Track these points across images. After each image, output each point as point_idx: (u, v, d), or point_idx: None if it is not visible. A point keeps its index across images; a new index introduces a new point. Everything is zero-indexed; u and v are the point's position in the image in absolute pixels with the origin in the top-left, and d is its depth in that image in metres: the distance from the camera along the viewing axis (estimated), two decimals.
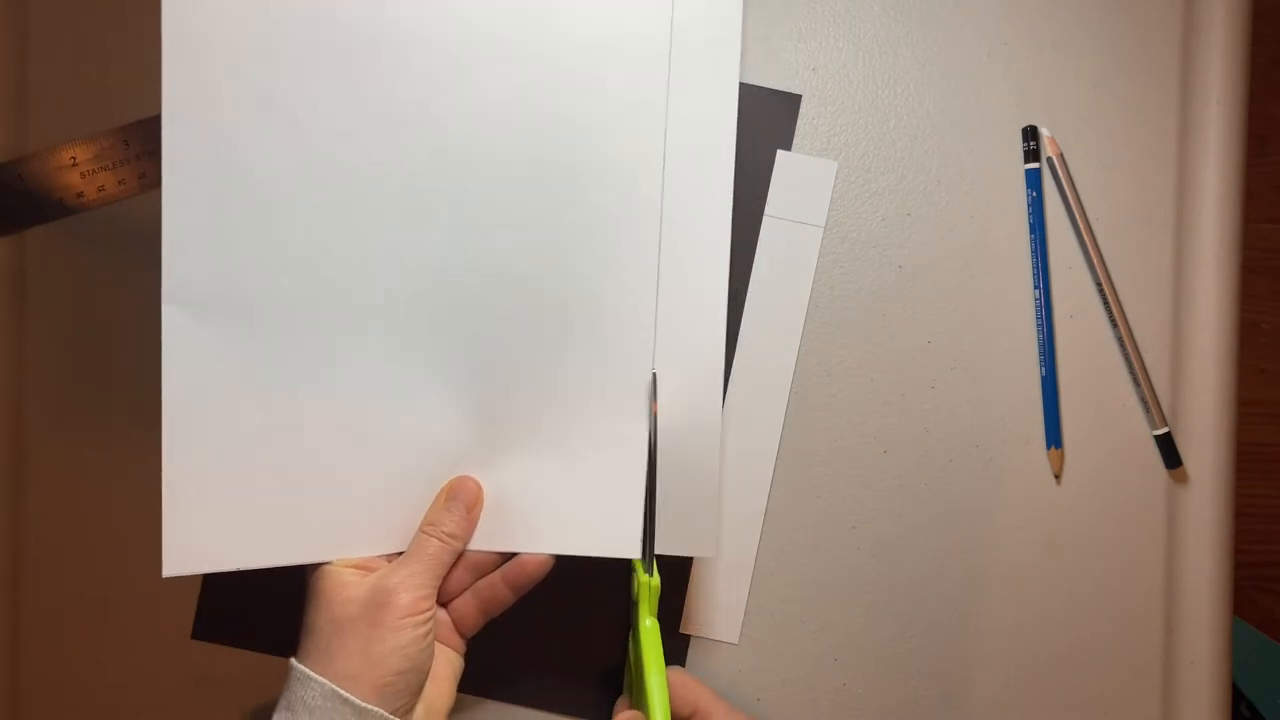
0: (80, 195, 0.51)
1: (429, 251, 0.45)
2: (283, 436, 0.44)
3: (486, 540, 0.46)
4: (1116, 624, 0.52)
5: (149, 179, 0.51)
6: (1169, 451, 0.52)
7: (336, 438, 0.44)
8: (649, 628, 0.45)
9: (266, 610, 0.52)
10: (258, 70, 0.43)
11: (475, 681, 0.50)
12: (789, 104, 0.52)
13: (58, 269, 0.51)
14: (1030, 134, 0.53)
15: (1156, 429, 0.52)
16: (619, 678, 0.51)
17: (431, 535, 0.44)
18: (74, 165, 0.51)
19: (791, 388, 0.52)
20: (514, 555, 0.46)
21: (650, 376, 0.46)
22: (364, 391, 0.45)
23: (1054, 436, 0.52)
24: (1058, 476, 0.53)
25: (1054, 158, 0.52)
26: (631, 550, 0.45)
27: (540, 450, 0.46)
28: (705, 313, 0.46)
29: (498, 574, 0.46)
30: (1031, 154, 0.53)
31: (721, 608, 0.52)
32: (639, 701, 0.45)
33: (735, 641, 0.52)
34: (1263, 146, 1.21)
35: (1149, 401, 0.52)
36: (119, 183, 0.51)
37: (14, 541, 0.52)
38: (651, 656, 0.44)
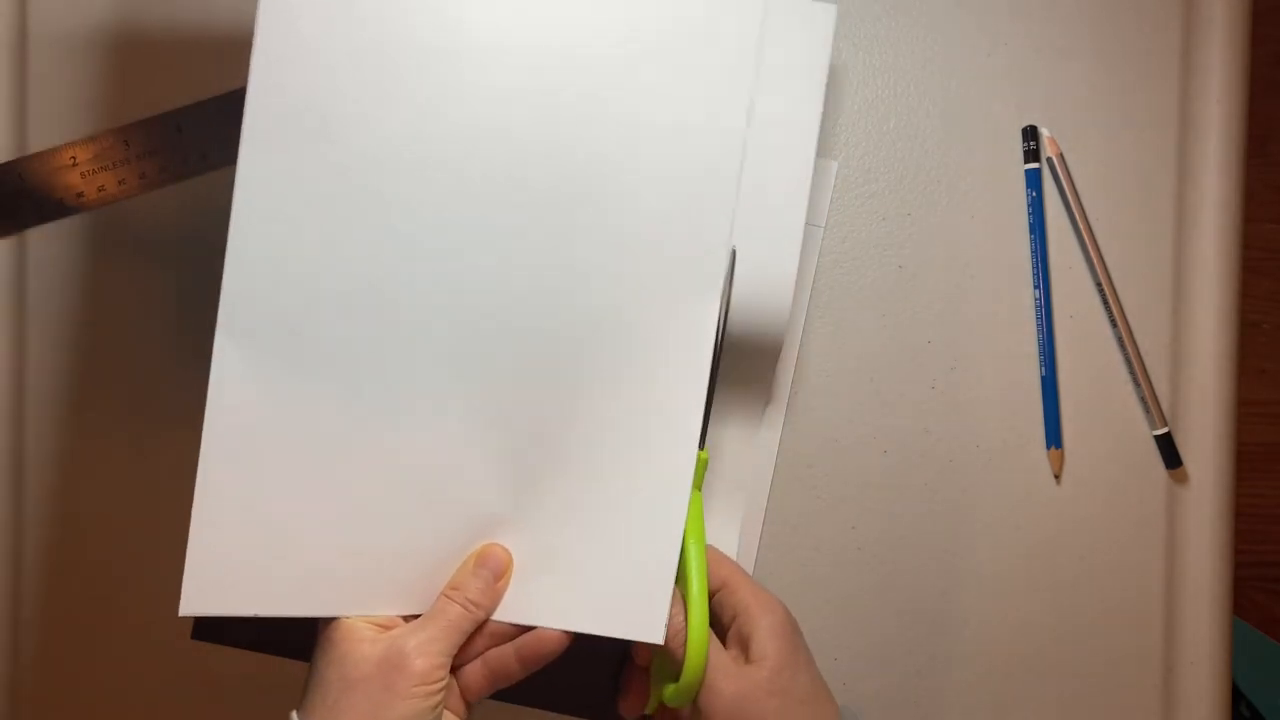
0: (80, 195, 0.51)
1: (484, 302, 0.43)
2: (317, 483, 0.43)
3: (506, 611, 0.44)
4: (1116, 624, 0.52)
5: (149, 179, 0.51)
6: (1169, 451, 0.52)
7: (370, 489, 0.43)
8: (694, 499, 0.44)
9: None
10: (332, 105, 0.41)
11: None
12: None
13: (58, 269, 0.51)
14: (1030, 134, 0.53)
15: (1156, 429, 0.52)
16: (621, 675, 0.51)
17: (455, 601, 0.43)
18: (74, 165, 0.51)
19: (791, 388, 0.52)
20: (529, 627, 0.44)
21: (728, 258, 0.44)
22: (403, 443, 0.43)
23: (1054, 436, 0.52)
24: (1058, 476, 0.53)
25: (1054, 158, 0.52)
26: (655, 635, 0.43)
27: (574, 522, 0.44)
28: (757, 384, 0.45)
29: (510, 646, 0.44)
30: (1031, 154, 0.53)
31: None
32: (677, 572, 0.44)
33: None
34: (1263, 146, 1.21)
35: (1149, 401, 0.52)
36: (119, 183, 0.51)
37: (14, 541, 0.52)
38: (694, 527, 0.43)
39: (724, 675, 0.42)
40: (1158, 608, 0.52)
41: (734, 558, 0.50)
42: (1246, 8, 0.53)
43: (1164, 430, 0.52)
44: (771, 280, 0.46)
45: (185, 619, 0.52)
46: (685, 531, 0.43)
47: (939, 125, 0.53)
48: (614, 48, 0.43)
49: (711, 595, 0.45)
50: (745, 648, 0.43)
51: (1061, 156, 0.53)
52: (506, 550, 0.44)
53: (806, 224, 0.52)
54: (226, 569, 0.42)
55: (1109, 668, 0.52)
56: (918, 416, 0.52)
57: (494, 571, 0.43)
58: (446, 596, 0.43)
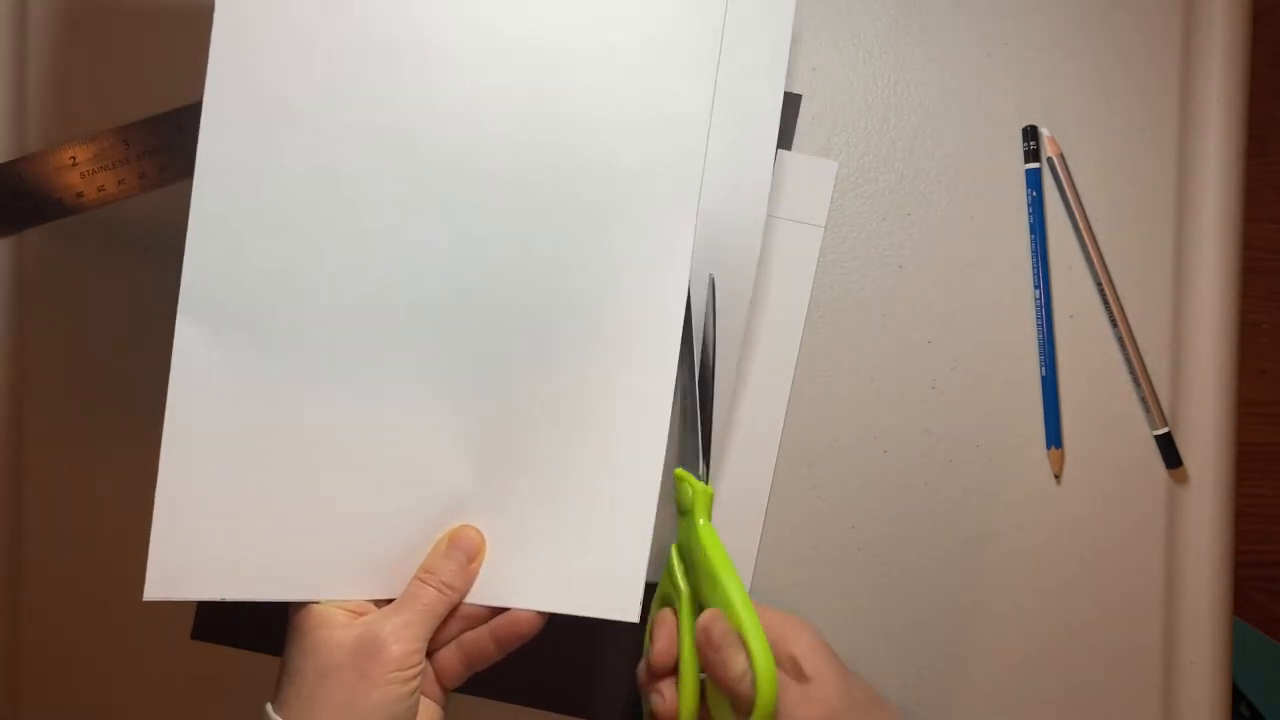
0: (80, 195, 0.51)
1: (448, 283, 0.43)
2: (283, 465, 0.42)
3: (481, 594, 0.44)
4: (1116, 624, 0.52)
5: (149, 179, 0.51)
6: (1169, 451, 0.52)
7: (338, 471, 0.43)
8: (706, 528, 0.44)
9: (267, 610, 0.51)
10: (292, 88, 0.42)
11: (475, 681, 0.50)
12: (789, 104, 0.52)
13: (58, 269, 0.51)
14: (1030, 134, 0.53)
15: (1156, 429, 0.52)
16: (621, 676, 0.51)
17: (428, 584, 0.42)
18: (74, 165, 0.51)
19: (791, 388, 0.52)
20: (504, 609, 0.44)
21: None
22: (371, 425, 0.43)
23: (1054, 436, 0.52)
24: (1058, 476, 0.53)
25: (1054, 158, 0.52)
26: (631, 613, 0.43)
27: (546, 502, 0.44)
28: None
29: (485, 628, 0.43)
30: (1031, 154, 0.53)
31: None
32: (709, 602, 0.43)
33: None
34: (1263, 146, 1.21)
35: (1149, 401, 0.52)
36: (119, 183, 0.51)
37: (14, 542, 0.52)
38: (719, 558, 0.43)
39: (796, 703, 0.41)
40: (1158, 608, 0.52)
41: (740, 557, 0.50)
42: (1246, 8, 0.53)
43: (1164, 430, 0.52)
44: (732, 269, 0.47)
45: (185, 619, 0.52)
46: (713, 562, 0.43)
47: (939, 125, 0.53)
48: (580, 40, 0.43)
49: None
50: (793, 669, 0.42)
51: (1061, 156, 0.52)
52: (479, 532, 0.44)
53: (807, 224, 0.52)
54: (191, 553, 0.41)
55: (1109, 668, 0.52)
56: (918, 416, 0.52)
57: (467, 553, 0.43)
58: (420, 580, 0.42)
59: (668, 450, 0.44)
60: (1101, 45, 0.53)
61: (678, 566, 0.46)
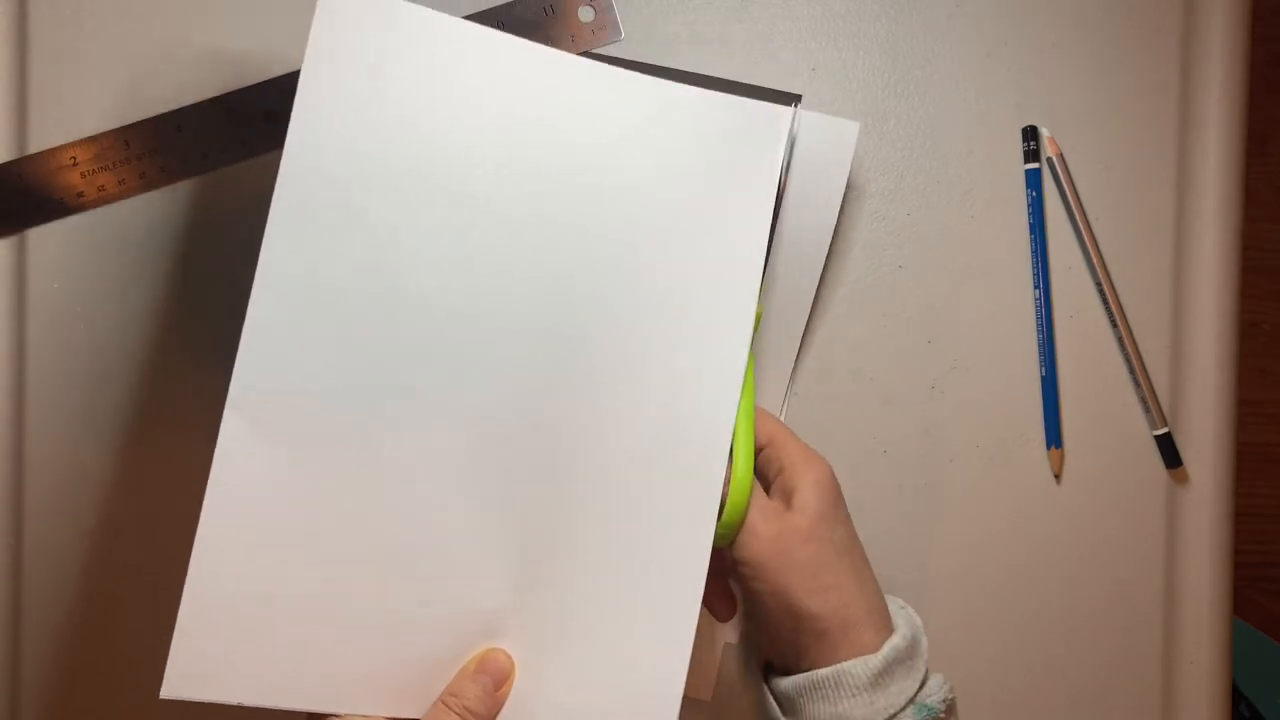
0: (80, 195, 0.51)
1: (499, 402, 0.42)
2: (316, 572, 0.41)
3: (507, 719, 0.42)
4: (1116, 624, 0.52)
5: (149, 179, 0.51)
6: (1169, 451, 0.52)
7: (372, 582, 0.42)
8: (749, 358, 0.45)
9: None
10: (357, 200, 0.41)
11: None
12: (789, 104, 0.52)
13: (58, 269, 0.51)
14: (1030, 134, 0.53)
15: (1156, 429, 0.52)
16: None
17: (452, 709, 0.40)
18: (74, 165, 0.51)
19: (791, 388, 0.52)
20: None
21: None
22: (411, 536, 0.42)
23: (1054, 436, 0.52)
24: (1058, 476, 0.53)
25: (1054, 158, 0.52)
26: None
27: (581, 625, 0.42)
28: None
29: None
30: (1031, 154, 0.53)
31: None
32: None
33: (734, 641, 0.52)
34: (1263, 146, 1.21)
35: (1149, 401, 0.52)
36: (119, 183, 0.51)
37: (14, 542, 0.52)
38: (748, 383, 0.44)
39: (763, 518, 0.43)
40: (1158, 608, 0.52)
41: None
42: (1246, 8, 0.53)
43: (1164, 430, 0.52)
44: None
45: None
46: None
47: (939, 125, 0.53)
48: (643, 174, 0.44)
49: (758, 451, 0.45)
50: (788, 500, 0.43)
51: (1061, 156, 0.53)
52: (509, 656, 0.42)
53: (814, 227, 0.52)
54: (213, 653, 0.40)
55: (1109, 668, 0.52)
56: (918, 416, 0.52)
57: (495, 679, 0.42)
58: (443, 703, 0.41)
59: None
60: (1101, 45, 0.53)
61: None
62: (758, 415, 0.45)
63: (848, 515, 0.45)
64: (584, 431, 0.43)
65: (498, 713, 0.42)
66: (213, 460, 0.40)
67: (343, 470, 0.41)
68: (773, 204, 0.45)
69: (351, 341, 0.41)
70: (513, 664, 0.42)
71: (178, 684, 0.40)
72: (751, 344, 0.44)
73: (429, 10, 0.42)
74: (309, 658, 0.41)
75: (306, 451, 0.41)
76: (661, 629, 0.42)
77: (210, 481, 0.40)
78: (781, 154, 0.45)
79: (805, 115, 0.51)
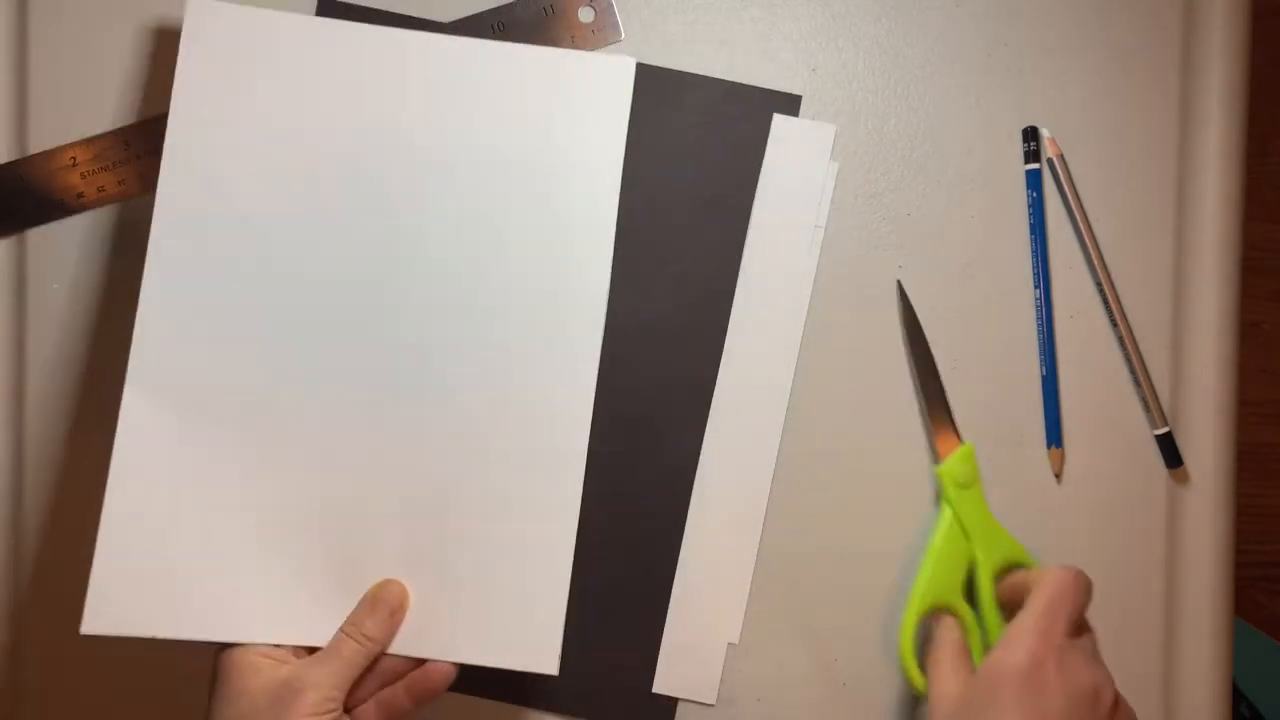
0: (80, 195, 0.51)
1: (378, 358, 0.47)
2: (218, 516, 0.46)
3: (403, 645, 0.46)
4: (1116, 624, 0.52)
5: (149, 179, 0.51)
6: (1169, 451, 0.52)
7: (272, 525, 0.46)
8: (976, 496, 0.50)
9: None
10: (227, 190, 0.47)
11: (476, 682, 0.50)
12: (789, 104, 0.52)
13: (58, 269, 0.51)
14: (1030, 135, 0.53)
15: (1156, 429, 0.52)
16: (621, 678, 0.51)
17: (351, 637, 0.44)
18: (74, 165, 0.51)
19: (791, 389, 0.52)
20: (421, 662, 0.45)
21: None
22: (305, 481, 0.46)
23: (1054, 436, 0.52)
24: (1058, 476, 0.53)
25: (1054, 158, 0.52)
26: (549, 665, 0.46)
27: (469, 556, 0.46)
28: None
29: (400, 684, 0.45)
30: (1032, 155, 0.53)
31: (723, 609, 0.51)
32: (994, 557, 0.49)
33: (736, 641, 0.52)
34: (1263, 146, 1.21)
35: (1149, 401, 0.52)
36: (119, 183, 0.51)
37: (14, 542, 0.52)
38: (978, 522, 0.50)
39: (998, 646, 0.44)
40: (1158, 607, 0.52)
41: (740, 556, 0.51)
42: (1246, 8, 0.53)
43: (1164, 430, 0.52)
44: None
45: None
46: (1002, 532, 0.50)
47: (939, 125, 0.53)
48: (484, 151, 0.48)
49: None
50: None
51: (1061, 157, 0.53)
52: (403, 586, 0.46)
53: (805, 225, 0.52)
54: (128, 592, 0.44)
55: (1109, 667, 0.52)
56: (918, 417, 0.52)
57: (390, 607, 0.45)
58: (343, 632, 0.45)
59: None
60: (1101, 45, 0.53)
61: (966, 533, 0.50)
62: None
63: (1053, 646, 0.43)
64: (465, 384, 0.47)
65: (393, 637, 0.45)
66: (119, 416, 0.45)
67: (237, 426, 0.46)
68: (622, 150, 0.48)
69: (231, 313, 0.46)
70: (406, 592, 0.46)
71: (95, 621, 0.44)
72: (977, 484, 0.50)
73: (284, 14, 0.47)
74: (216, 594, 0.45)
75: (201, 414, 0.46)
76: (542, 558, 0.46)
77: (115, 443, 0.45)
78: (628, 102, 0.48)
79: (779, 121, 0.52)
